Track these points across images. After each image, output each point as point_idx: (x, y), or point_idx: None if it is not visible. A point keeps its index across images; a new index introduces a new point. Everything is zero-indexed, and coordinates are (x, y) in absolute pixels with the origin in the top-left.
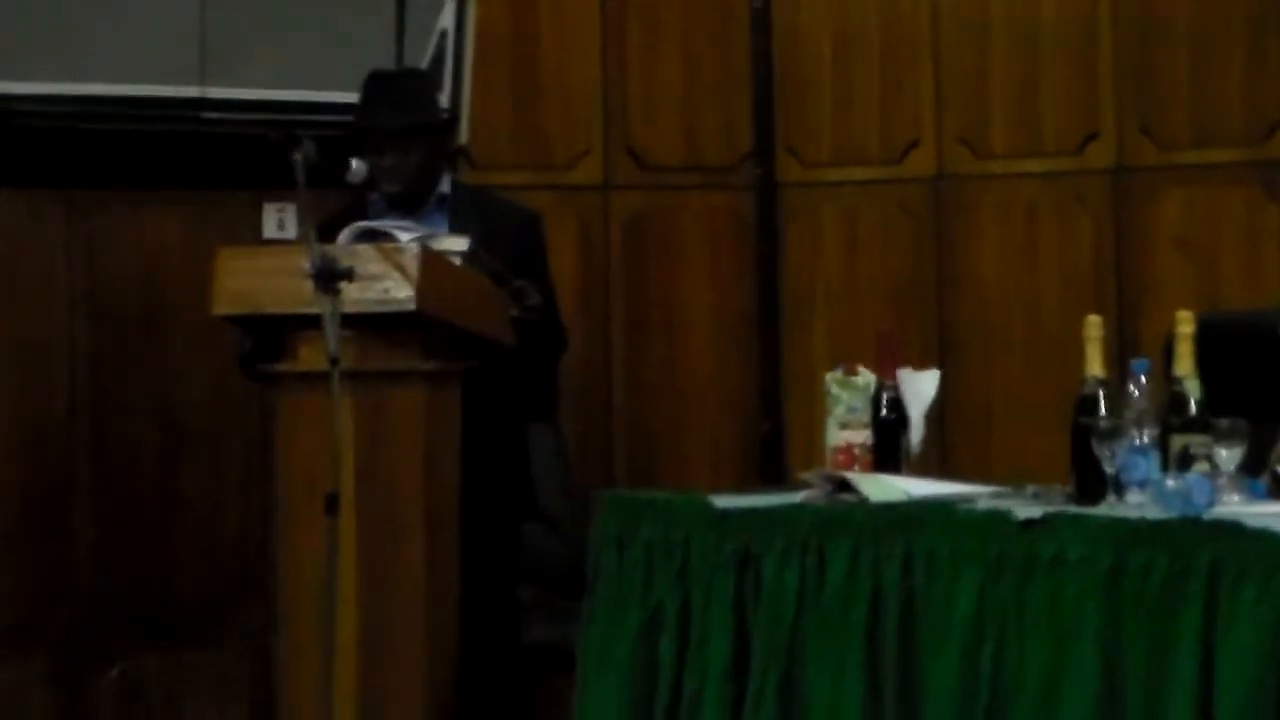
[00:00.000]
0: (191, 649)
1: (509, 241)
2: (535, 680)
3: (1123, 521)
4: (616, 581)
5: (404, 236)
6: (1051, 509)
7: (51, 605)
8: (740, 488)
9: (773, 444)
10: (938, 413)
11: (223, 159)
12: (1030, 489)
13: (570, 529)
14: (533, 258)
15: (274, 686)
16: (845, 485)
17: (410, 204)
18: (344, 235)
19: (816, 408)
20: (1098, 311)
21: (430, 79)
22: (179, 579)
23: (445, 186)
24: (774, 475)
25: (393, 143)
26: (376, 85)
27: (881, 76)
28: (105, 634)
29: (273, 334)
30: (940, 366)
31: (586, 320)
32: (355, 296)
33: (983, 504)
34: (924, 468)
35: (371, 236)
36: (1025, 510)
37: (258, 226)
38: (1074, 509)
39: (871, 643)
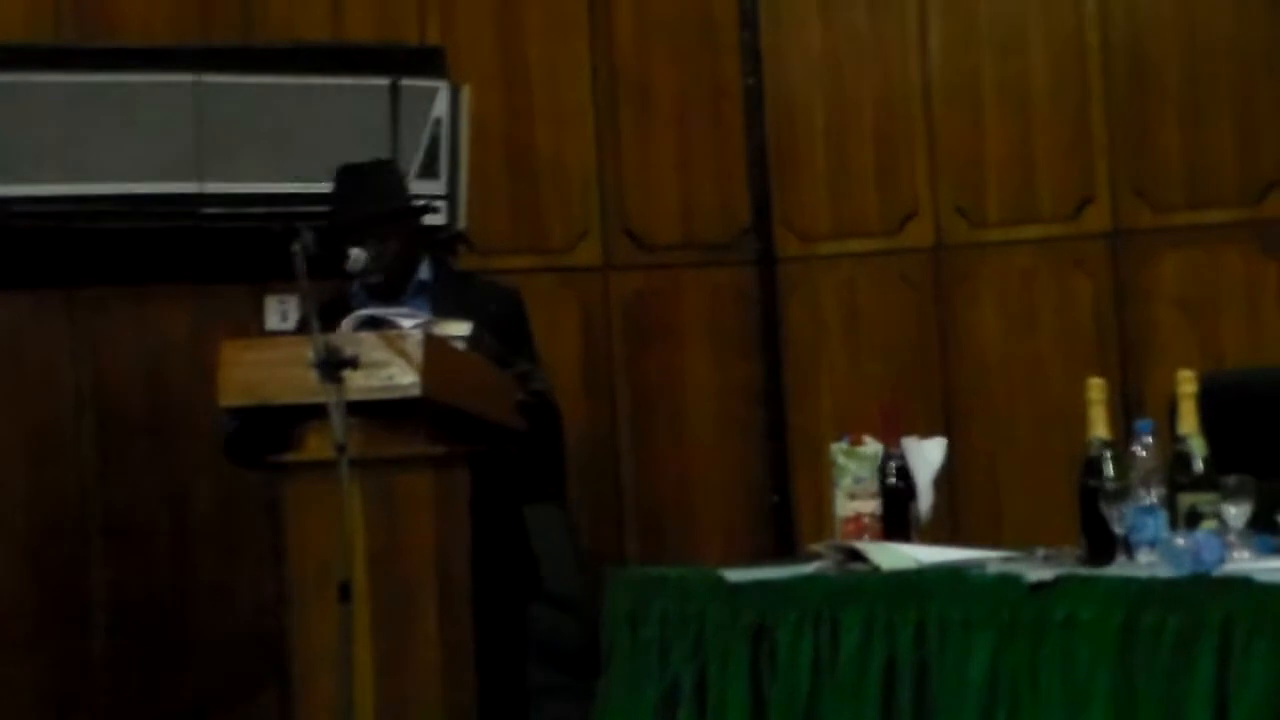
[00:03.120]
0: None
1: (491, 320)
2: None
3: (1133, 581)
4: (631, 658)
5: (407, 323)
6: (1062, 571)
7: (70, 702)
8: (751, 561)
9: (782, 516)
10: (945, 480)
11: (223, 253)
12: (1040, 552)
13: (582, 608)
14: (517, 332)
15: None
16: (856, 555)
17: (390, 292)
18: (347, 323)
19: (823, 479)
20: (1100, 374)
21: (398, 167)
22: (195, 670)
23: (425, 273)
24: (784, 547)
25: (367, 233)
26: (347, 178)
27: (876, 148)
28: None
29: (279, 424)
30: (945, 434)
31: (591, 400)
32: (360, 384)
33: (993, 569)
34: (933, 535)
35: (374, 324)
36: (1036, 573)
37: (260, 318)
38: (1084, 570)
39: (887, 710)
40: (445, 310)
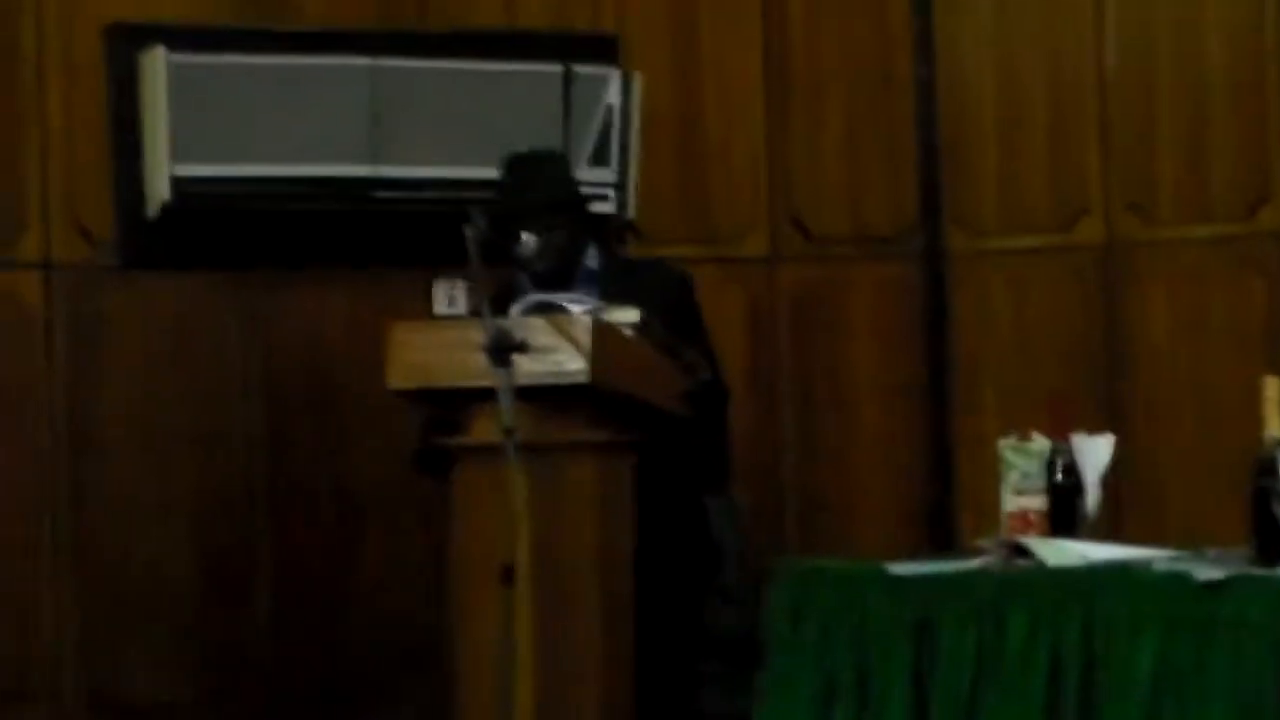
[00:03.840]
0: None
1: (659, 305)
2: None
3: None
4: (792, 652)
5: (576, 309)
6: (1232, 570)
7: (229, 683)
8: (912, 556)
9: (943, 512)
10: (1111, 478)
11: (394, 237)
12: (1209, 552)
13: (745, 600)
14: (685, 318)
15: None
16: (1022, 550)
17: (557, 281)
18: (516, 308)
19: (987, 475)
20: (1271, 375)
21: (564, 157)
22: (356, 655)
23: (593, 261)
24: (944, 543)
25: (535, 222)
26: (516, 166)
27: (1048, 142)
28: (279, 711)
29: (447, 408)
30: (1111, 432)
31: (756, 392)
32: (528, 369)
33: (1161, 566)
34: (1099, 533)
35: (544, 309)
36: (1205, 572)
37: (428, 303)
38: (1255, 570)
39: (1052, 708)
40: (613, 297)
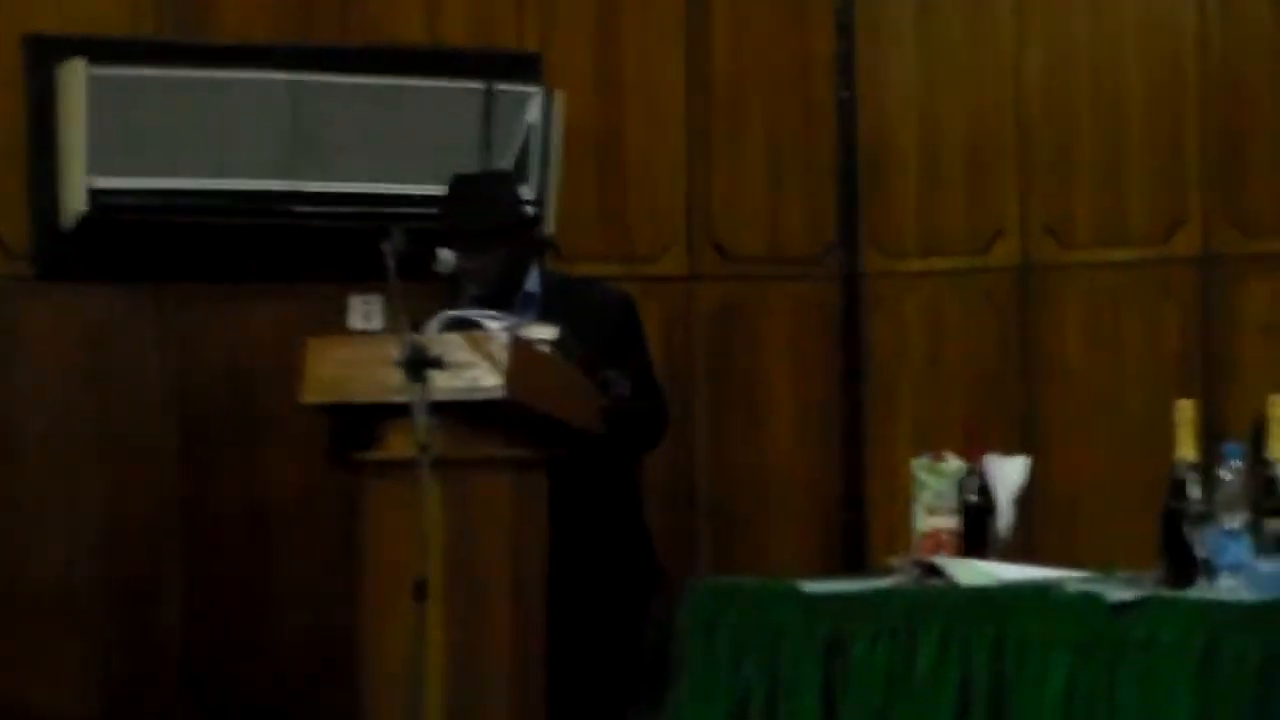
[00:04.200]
0: None
1: (601, 328)
2: None
3: (1217, 605)
4: (704, 668)
5: (493, 325)
6: (1143, 592)
7: (137, 695)
8: (824, 575)
9: (855, 531)
10: (1024, 500)
11: (313, 252)
12: (1120, 574)
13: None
14: (626, 341)
15: None
16: (934, 570)
17: (497, 303)
18: (433, 324)
19: (899, 495)
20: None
21: (513, 179)
22: (267, 670)
23: (533, 284)
24: (856, 562)
25: (475, 245)
26: (459, 187)
27: (966, 166)
28: None
29: (362, 423)
30: (1025, 453)
31: (671, 410)
32: (444, 385)
33: (1073, 588)
34: (1011, 554)
35: (461, 325)
36: (1116, 593)
37: (344, 318)
38: (1166, 592)
39: None
40: (554, 320)
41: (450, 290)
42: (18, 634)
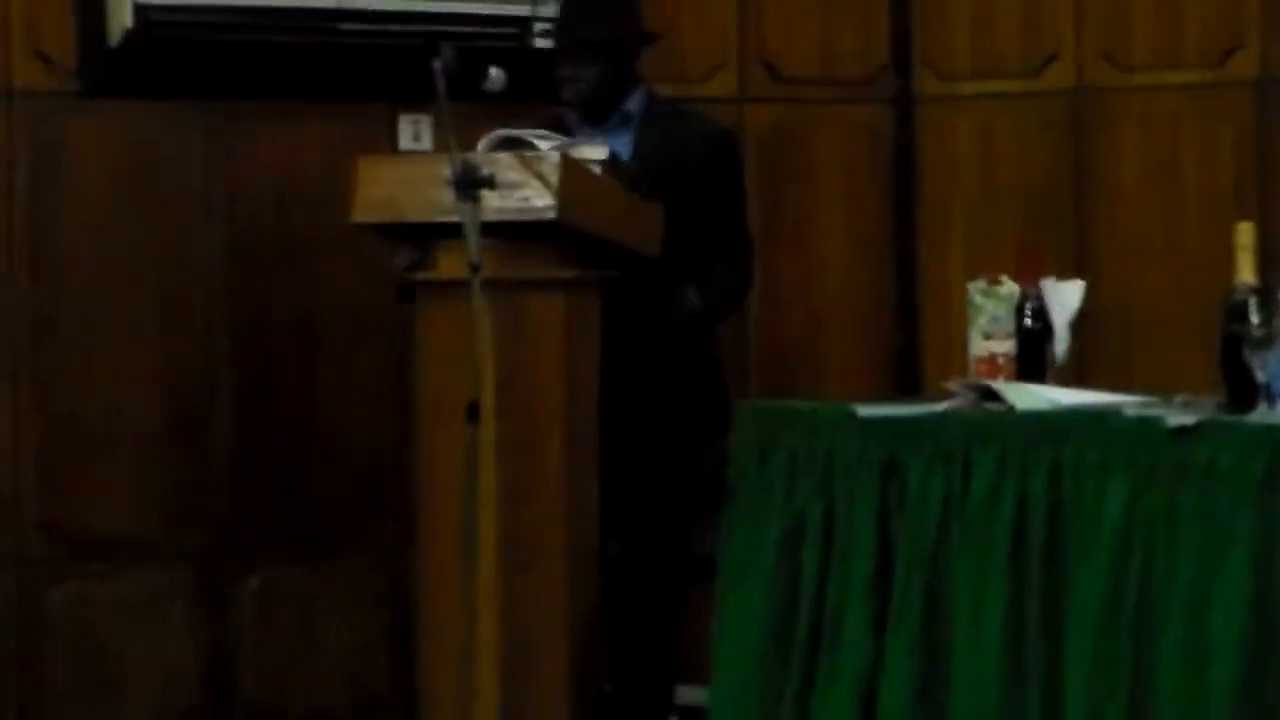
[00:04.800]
0: (331, 560)
1: (695, 160)
2: (694, 591)
3: (1278, 428)
4: (758, 492)
5: (543, 145)
6: (1203, 416)
7: (192, 517)
8: (880, 396)
9: (909, 357)
10: (1079, 325)
11: (361, 71)
12: (1179, 398)
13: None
14: (719, 179)
15: (413, 598)
16: (990, 394)
17: (591, 118)
18: (483, 144)
19: (952, 321)
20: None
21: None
22: (318, 490)
23: (634, 103)
24: (911, 387)
25: (570, 56)
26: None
27: None
28: (245, 545)
29: (412, 242)
30: (1080, 278)
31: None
32: (495, 205)
33: (1132, 412)
34: (1067, 379)
35: (511, 145)
36: (1176, 418)
37: (393, 138)
38: (1226, 417)
39: (1017, 552)
40: (648, 144)
41: (554, 114)
42: (72, 458)
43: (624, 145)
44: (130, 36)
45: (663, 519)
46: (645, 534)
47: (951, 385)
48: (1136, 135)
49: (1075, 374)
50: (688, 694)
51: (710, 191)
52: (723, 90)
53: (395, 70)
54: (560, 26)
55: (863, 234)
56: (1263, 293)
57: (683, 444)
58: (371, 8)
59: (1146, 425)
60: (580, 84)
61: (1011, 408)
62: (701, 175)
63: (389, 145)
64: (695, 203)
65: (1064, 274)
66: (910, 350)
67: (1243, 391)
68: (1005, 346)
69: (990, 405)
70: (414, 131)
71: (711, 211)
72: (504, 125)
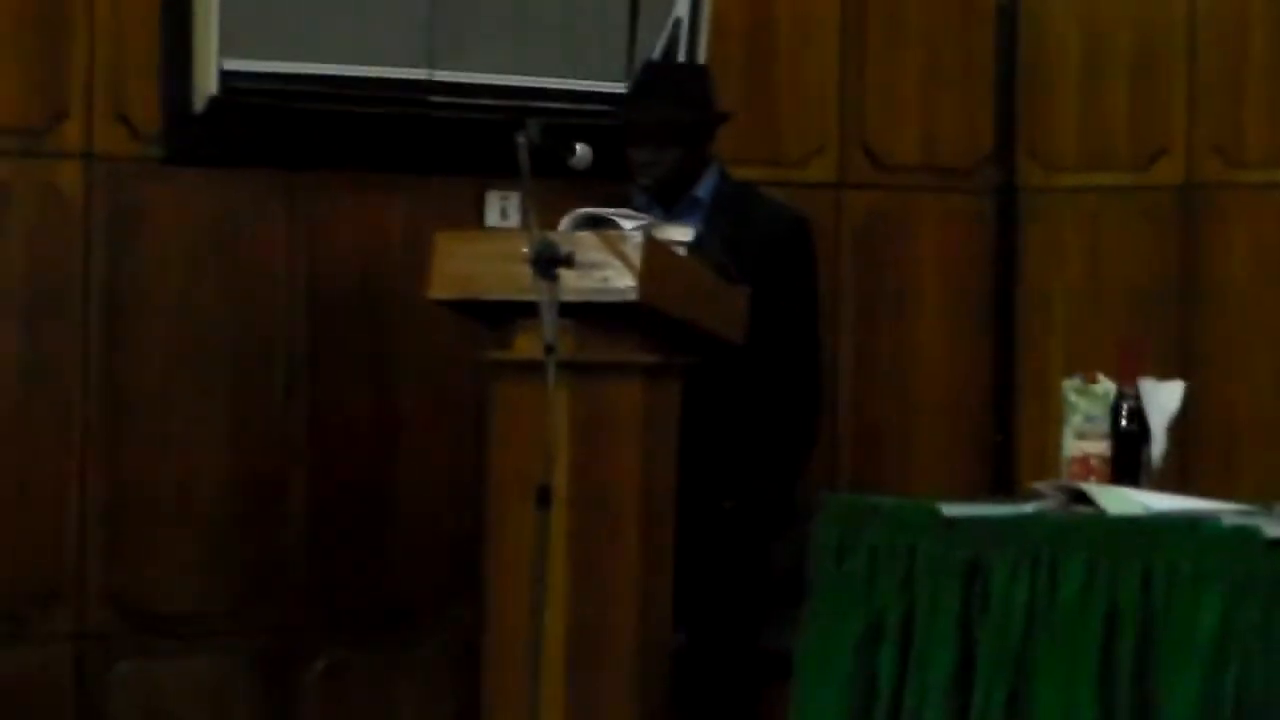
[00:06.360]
0: (399, 644)
1: (766, 246)
2: (764, 689)
3: None
4: (837, 588)
5: (627, 224)
6: None
7: (261, 595)
8: (967, 496)
9: (1003, 453)
10: (1179, 427)
11: (447, 145)
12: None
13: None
14: (791, 269)
15: (481, 684)
16: (1081, 497)
17: (663, 201)
18: (565, 221)
19: (1050, 417)
20: None
21: (707, 74)
22: (389, 572)
23: (705, 189)
24: (1003, 484)
25: (647, 138)
26: (646, 75)
27: (1131, 78)
28: (312, 626)
29: (490, 321)
30: (1182, 379)
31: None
32: (575, 284)
33: (1228, 521)
34: (1164, 483)
35: (595, 224)
36: (1274, 528)
37: (480, 215)
38: None
39: (1106, 660)
40: (718, 228)
41: (619, 192)
42: (141, 531)
43: (693, 229)
44: (214, 103)
45: (733, 613)
46: (715, 628)
47: (1041, 486)
48: (1246, 234)
49: (1174, 479)
50: None
51: (781, 281)
52: (821, 175)
53: (484, 145)
54: (635, 106)
55: (960, 325)
56: None
57: (751, 535)
58: (460, 80)
59: (1242, 534)
60: (658, 167)
61: (1103, 512)
62: (772, 263)
63: (475, 221)
64: (765, 291)
65: (1167, 374)
66: (1006, 445)
67: None
68: (1099, 447)
69: (1081, 508)
70: (501, 208)
71: (781, 302)
72: (590, 204)
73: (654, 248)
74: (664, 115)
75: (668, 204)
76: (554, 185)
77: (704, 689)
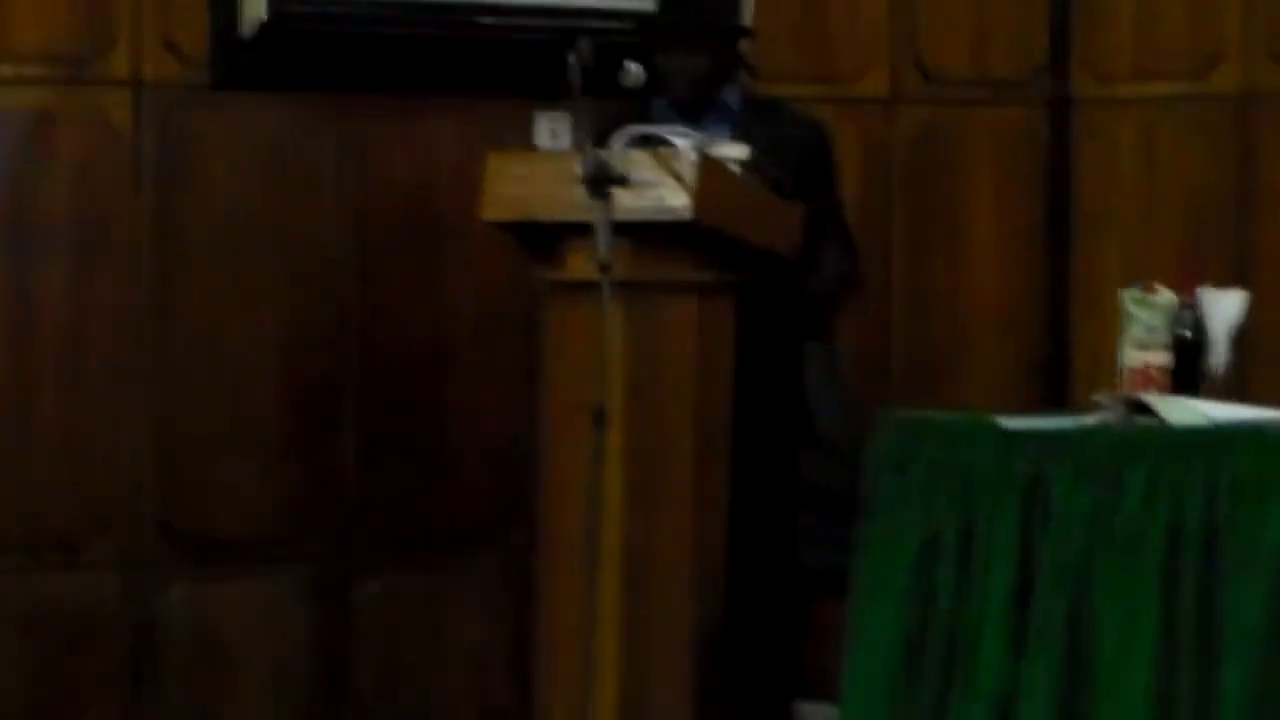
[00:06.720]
0: (453, 565)
1: (792, 156)
2: (806, 605)
3: None
4: (894, 505)
5: (681, 142)
6: None
7: (316, 518)
8: (1026, 407)
9: (1057, 366)
10: (1239, 337)
11: (497, 65)
12: None
13: (842, 453)
14: (817, 171)
15: (535, 606)
16: (1142, 407)
17: (694, 110)
18: (617, 139)
19: (1104, 331)
20: None
21: None
22: (443, 493)
23: (732, 98)
24: (1057, 401)
25: (682, 44)
26: None
27: None
28: (368, 548)
29: (543, 242)
30: (1241, 288)
31: (868, 236)
32: (628, 204)
33: None
34: (1225, 393)
35: (646, 142)
36: None
37: (529, 135)
38: None
39: (1169, 574)
40: (747, 140)
41: (640, 107)
42: (197, 456)
43: (698, 135)
44: (263, 29)
45: (768, 530)
46: (751, 545)
47: (1101, 397)
48: None
49: (1235, 388)
50: (816, 713)
51: (810, 187)
52: (873, 90)
53: (533, 65)
54: (666, 13)
55: (1014, 239)
56: None
57: (772, 443)
58: (509, 2)
59: None
60: (691, 74)
61: (1165, 422)
62: (801, 171)
63: (526, 142)
64: (801, 198)
65: (1225, 283)
66: (1059, 359)
67: None
68: (1160, 358)
69: (1142, 419)
70: (551, 129)
71: (816, 207)
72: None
73: (708, 166)
74: (696, 19)
75: (694, 115)
76: (604, 105)
77: (745, 606)
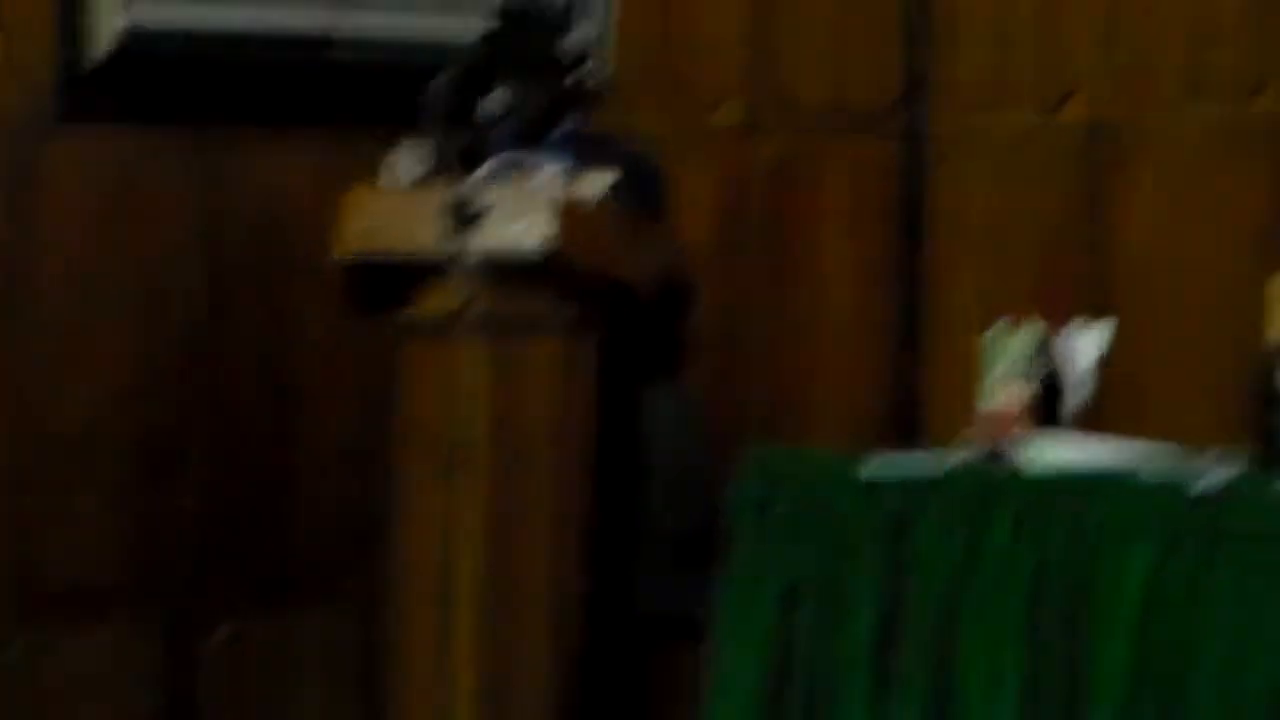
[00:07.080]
0: (301, 613)
1: (624, 190)
2: (651, 653)
3: None
4: (755, 547)
5: (549, 169)
6: (1230, 478)
7: (160, 563)
8: (879, 444)
9: (912, 398)
10: (1100, 372)
11: (356, 95)
12: (1204, 454)
13: (691, 496)
14: (647, 201)
15: (385, 650)
16: (1005, 450)
17: (528, 142)
18: (486, 166)
19: (960, 361)
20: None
21: (566, 17)
22: (291, 538)
23: (566, 132)
24: (913, 429)
25: (513, 78)
26: (505, 18)
27: (1036, 19)
28: (213, 594)
29: (398, 279)
30: (1094, 321)
31: (724, 266)
32: (487, 239)
33: (1156, 475)
34: (1085, 426)
35: (511, 170)
36: (1202, 481)
37: (383, 168)
38: (1258, 478)
39: (1034, 618)
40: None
41: (481, 140)
42: (36, 493)
43: (563, 164)
44: (113, 55)
45: (646, 574)
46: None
47: (966, 436)
48: (1158, 174)
49: (1092, 423)
50: None
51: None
52: (730, 120)
53: (392, 95)
54: (496, 47)
55: (870, 270)
56: None
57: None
58: (367, 31)
59: (1169, 490)
60: (524, 108)
61: (1029, 465)
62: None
63: (379, 175)
64: None
65: (1078, 316)
66: (913, 389)
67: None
68: (1020, 395)
69: (1005, 461)
70: (411, 159)
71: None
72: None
73: (571, 199)
74: (537, 48)
75: (532, 146)
76: (458, 138)
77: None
